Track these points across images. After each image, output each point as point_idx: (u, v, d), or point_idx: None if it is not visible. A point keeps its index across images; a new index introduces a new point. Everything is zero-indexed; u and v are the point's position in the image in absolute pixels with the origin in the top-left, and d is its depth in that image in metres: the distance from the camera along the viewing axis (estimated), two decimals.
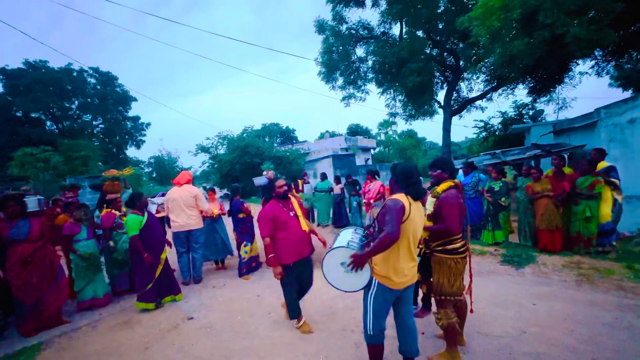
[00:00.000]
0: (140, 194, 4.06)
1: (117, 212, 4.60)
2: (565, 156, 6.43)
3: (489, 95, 13.57)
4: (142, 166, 30.00)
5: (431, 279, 2.64)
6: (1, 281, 3.69)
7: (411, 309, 2.35)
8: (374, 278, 2.16)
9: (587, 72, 10.30)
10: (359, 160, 25.50)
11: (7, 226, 3.48)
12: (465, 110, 14.75)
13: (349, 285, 2.16)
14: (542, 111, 12.92)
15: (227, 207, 5.93)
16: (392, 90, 14.02)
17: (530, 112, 13.82)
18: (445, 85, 14.27)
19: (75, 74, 27.04)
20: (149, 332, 3.43)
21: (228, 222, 5.48)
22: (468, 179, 5.84)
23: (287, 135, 38.51)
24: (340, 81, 14.30)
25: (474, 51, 11.04)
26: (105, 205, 4.73)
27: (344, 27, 13.28)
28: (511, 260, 4.85)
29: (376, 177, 6.61)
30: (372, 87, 14.66)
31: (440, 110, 14.14)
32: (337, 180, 8.14)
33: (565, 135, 7.59)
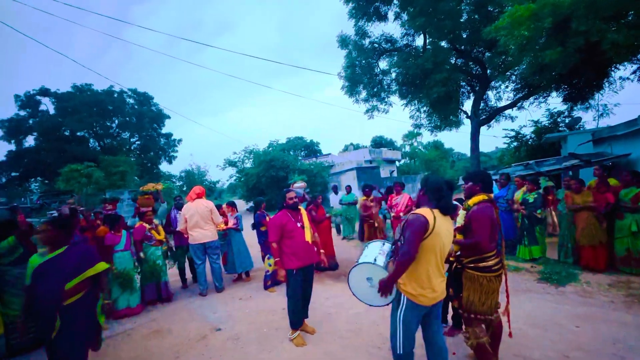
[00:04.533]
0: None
1: (147, 225, 4.85)
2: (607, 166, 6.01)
3: (519, 104, 13.06)
4: (174, 180, 31.44)
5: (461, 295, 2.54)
6: None
7: (440, 326, 2.27)
8: (402, 294, 2.12)
9: (628, 78, 9.64)
10: (384, 172, 25.22)
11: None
12: (494, 120, 14.26)
13: (376, 300, 2.14)
14: (579, 119, 12.20)
15: (251, 220, 6.06)
16: (416, 102, 13.88)
17: (566, 120, 13.12)
18: (472, 94, 13.93)
19: (115, 95, 29.20)
20: (179, 342, 3.53)
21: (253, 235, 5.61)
22: (503, 192, 5.61)
23: (311, 149, 38.98)
24: (363, 94, 14.38)
25: (501, 59, 10.74)
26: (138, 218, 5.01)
27: (366, 41, 13.44)
28: (550, 277, 4.55)
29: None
30: (395, 99, 14.56)
31: (467, 121, 13.76)
32: (368, 191, 7.99)
33: (606, 144, 7.12)
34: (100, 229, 4.66)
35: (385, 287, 2.04)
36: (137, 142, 31.96)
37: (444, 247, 2.10)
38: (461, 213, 2.56)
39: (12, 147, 26.16)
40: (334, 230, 8.42)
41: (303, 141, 38.36)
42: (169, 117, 32.99)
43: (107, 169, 19.85)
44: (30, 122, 26.44)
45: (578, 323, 3.28)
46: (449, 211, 2.14)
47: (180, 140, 34.19)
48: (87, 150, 26.82)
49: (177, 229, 5.23)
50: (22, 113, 26.46)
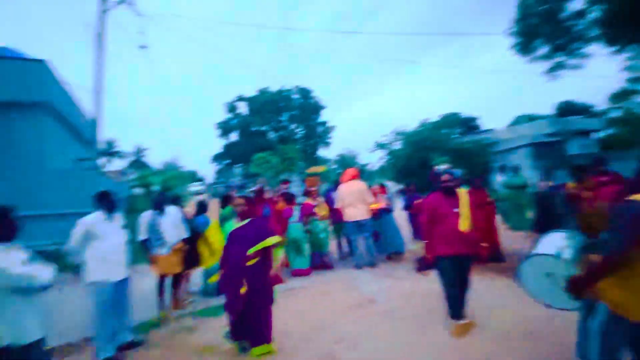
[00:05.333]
0: (227, 196, 3.58)
1: (313, 202, 5.65)
2: None
3: None
4: (330, 164, 35.09)
5: None
6: None
7: None
8: (599, 302, 1.64)
9: None
10: (573, 148, 19.43)
11: (261, 209, 5.00)
12: None
13: (556, 300, 1.74)
14: None
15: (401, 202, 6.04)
16: (636, 45, 9.83)
17: None
18: None
19: (284, 93, 34.95)
20: (340, 305, 4.02)
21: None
22: None
23: (469, 125, 34.53)
24: (543, 50, 11.39)
25: None
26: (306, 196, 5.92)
27: None
28: None
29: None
30: (594, 49, 10.79)
31: None
32: (547, 174, 6.41)
33: None
34: (280, 204, 5.81)
35: (577, 288, 1.61)
36: (301, 132, 37.35)
37: None
38: None
39: (224, 142, 35.88)
40: (499, 218, 7.29)
41: (459, 117, 34.44)
42: (324, 107, 36.74)
43: (281, 155, 24.29)
44: (233, 122, 35.36)
45: None
46: None
47: (334, 127, 37.63)
48: (268, 141, 33.59)
49: (334, 207, 5.87)
50: (229, 116, 35.71)
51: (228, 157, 35.98)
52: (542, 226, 6.43)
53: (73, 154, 12.23)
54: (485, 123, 34.66)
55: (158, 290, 4.03)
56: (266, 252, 3.00)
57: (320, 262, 5.59)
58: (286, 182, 6.70)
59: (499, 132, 23.95)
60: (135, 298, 3.89)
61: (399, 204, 5.93)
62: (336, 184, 6.16)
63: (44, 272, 1.99)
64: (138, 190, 15.44)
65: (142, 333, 3.62)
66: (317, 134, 37.40)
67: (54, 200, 7.85)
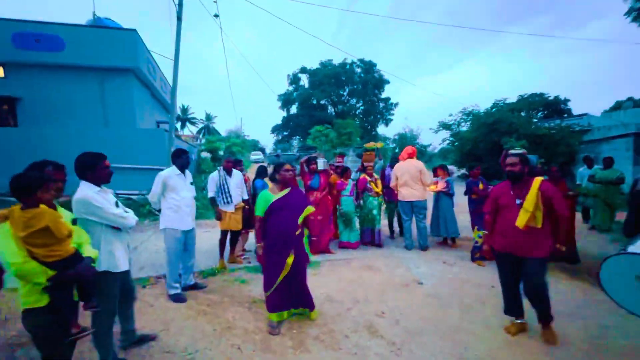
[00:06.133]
0: (278, 164, 3.15)
1: (368, 178, 5.55)
2: None
3: None
4: (388, 142, 33.93)
5: None
6: None
7: None
8: None
9: None
10: None
11: (309, 178, 5.12)
12: None
13: None
14: None
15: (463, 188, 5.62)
16: None
17: None
18: None
19: (347, 67, 34.02)
20: (385, 281, 4.01)
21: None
22: None
23: (556, 108, 30.09)
24: None
25: None
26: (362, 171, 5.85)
27: None
28: None
29: None
30: None
31: None
32: None
33: None
34: (333, 177, 5.83)
35: None
36: (361, 107, 36.44)
37: None
38: None
39: (284, 114, 36.77)
40: (578, 215, 6.42)
41: (543, 99, 30.16)
42: (388, 81, 35.04)
43: (339, 130, 24.13)
44: (294, 94, 35.84)
45: None
46: None
47: (396, 104, 35.92)
48: (326, 115, 33.55)
49: (389, 185, 5.71)
50: (290, 88, 36.23)
51: (287, 128, 36.98)
52: (635, 230, 5.56)
53: (155, 117, 13.74)
54: (577, 107, 29.83)
55: (220, 243, 4.46)
56: (305, 222, 3.12)
57: (369, 239, 5.58)
58: (342, 155, 6.67)
59: (593, 117, 20.47)
60: (199, 248, 4.38)
61: (460, 189, 5.54)
62: (394, 162, 5.94)
63: (130, 215, 2.34)
64: (206, 154, 16.87)
65: (203, 278, 4.09)
66: (378, 110, 36.17)
67: (139, 155, 8.98)
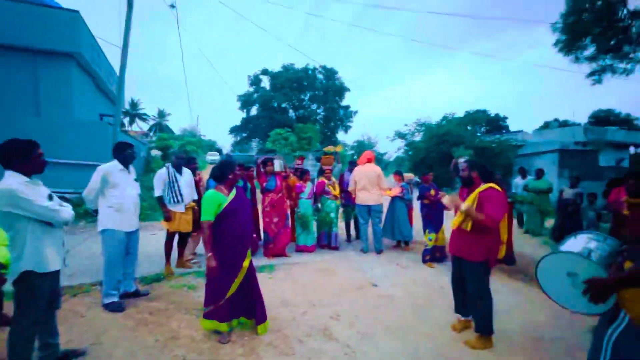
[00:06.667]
0: (230, 163, 2.83)
1: (326, 181, 5.57)
2: None
3: None
4: (347, 149, 34.70)
5: None
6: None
7: None
8: (622, 311, 1.53)
9: None
10: (606, 160, 18.41)
11: (265, 179, 4.97)
12: None
13: (574, 303, 1.62)
14: None
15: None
16: None
17: None
18: None
19: (310, 72, 34.27)
20: (341, 284, 4.01)
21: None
22: None
23: (496, 124, 33.26)
24: (590, 50, 10.57)
25: None
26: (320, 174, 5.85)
27: None
28: None
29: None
30: None
31: None
32: (576, 181, 6.35)
33: None
34: (292, 179, 5.76)
35: (600, 291, 1.44)
36: (321, 113, 36.85)
37: None
38: None
39: (244, 115, 35.86)
40: (514, 221, 7.06)
41: (485, 115, 33.15)
42: (348, 89, 35.93)
43: (299, 134, 24.11)
44: (255, 96, 35.16)
45: None
46: None
47: (356, 112, 36.92)
48: (287, 118, 33.36)
49: (347, 189, 5.78)
50: (251, 90, 35.48)
51: (246, 130, 36.08)
52: (564, 234, 6.21)
53: (98, 108, 12.49)
54: (513, 124, 33.15)
55: (166, 246, 4.13)
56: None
57: (325, 242, 5.58)
58: (301, 157, 6.64)
59: (526, 134, 22.93)
60: (144, 252, 4.01)
61: (414, 194, 5.79)
62: (352, 166, 6.04)
63: (65, 209, 2.09)
64: (157, 152, 15.78)
65: (146, 285, 3.74)
66: (338, 117, 36.84)
67: (76, 150, 8.08)
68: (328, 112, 35.86)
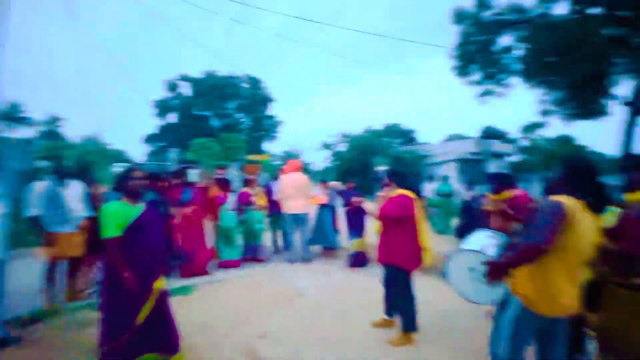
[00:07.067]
0: (127, 169, 2.43)
1: (251, 191, 5.34)
2: None
3: None
4: (273, 159, 34.48)
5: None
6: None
7: (563, 352, 1.79)
8: (513, 297, 1.74)
9: None
10: (492, 167, 22.17)
11: (179, 191, 4.51)
12: None
13: (476, 295, 1.80)
14: None
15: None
16: (546, 84, 11.54)
17: None
18: (630, 75, 10.75)
19: (234, 80, 33.29)
20: (270, 299, 3.81)
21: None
22: None
23: (408, 137, 37.19)
24: (476, 76, 12.69)
25: None
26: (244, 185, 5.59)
27: (488, 14, 11.68)
28: None
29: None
30: (516, 80, 12.47)
31: (617, 110, 10.77)
32: (470, 184, 7.33)
33: None
34: (213, 190, 5.36)
35: (496, 270, 1.65)
36: (247, 122, 35.99)
37: (582, 250, 1.62)
38: (613, 210, 1.93)
39: (161, 122, 32.76)
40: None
41: (400, 129, 36.80)
42: (273, 100, 35.98)
43: (224, 144, 23.01)
44: (173, 102, 32.51)
45: None
46: (599, 207, 1.63)
47: (282, 122, 37.09)
48: (209, 127, 31.60)
49: (273, 198, 5.64)
50: (168, 95, 32.70)
51: (163, 139, 32.93)
52: (465, 231, 7.06)
53: None
54: (422, 136, 37.49)
55: (47, 277, 3.35)
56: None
57: (252, 254, 5.30)
58: (223, 167, 6.25)
59: (432, 146, 26.17)
60: (18, 287, 3.19)
61: (339, 202, 5.94)
62: (277, 175, 5.94)
63: None
64: (45, 163, 13.16)
65: (17, 328, 2.96)
66: (264, 127, 36.44)
67: None
68: (254, 122, 35.23)
